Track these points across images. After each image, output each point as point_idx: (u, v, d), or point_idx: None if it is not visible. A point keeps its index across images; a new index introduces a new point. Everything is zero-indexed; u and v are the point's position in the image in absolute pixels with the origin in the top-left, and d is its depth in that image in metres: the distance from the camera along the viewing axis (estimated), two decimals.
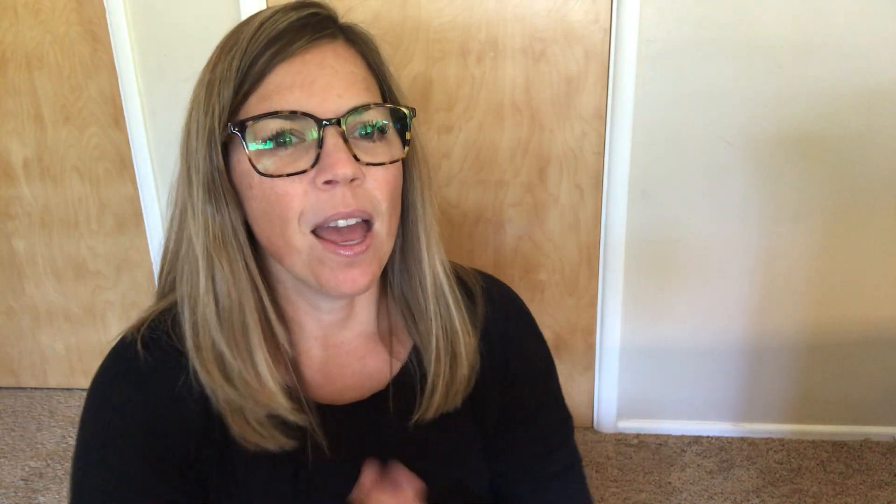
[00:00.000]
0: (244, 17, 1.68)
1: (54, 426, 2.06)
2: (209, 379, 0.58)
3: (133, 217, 2.04)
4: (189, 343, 0.59)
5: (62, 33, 1.88)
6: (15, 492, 1.79)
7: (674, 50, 1.63)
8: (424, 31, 1.70)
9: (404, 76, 1.73)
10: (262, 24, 0.56)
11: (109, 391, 0.61)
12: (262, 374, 0.59)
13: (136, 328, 0.63)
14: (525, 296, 2.11)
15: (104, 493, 0.58)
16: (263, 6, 1.69)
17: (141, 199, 1.97)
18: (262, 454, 0.60)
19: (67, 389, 2.25)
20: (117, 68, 1.82)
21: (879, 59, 1.59)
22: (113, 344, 0.64)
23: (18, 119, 1.98)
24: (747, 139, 1.68)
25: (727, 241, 1.77)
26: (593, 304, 1.90)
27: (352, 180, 0.55)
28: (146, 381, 0.60)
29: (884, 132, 1.64)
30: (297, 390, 0.62)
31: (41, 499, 1.76)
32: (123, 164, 1.98)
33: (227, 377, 0.58)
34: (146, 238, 2.03)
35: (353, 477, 0.61)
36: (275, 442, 0.59)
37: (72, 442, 1.98)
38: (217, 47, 0.59)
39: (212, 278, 0.58)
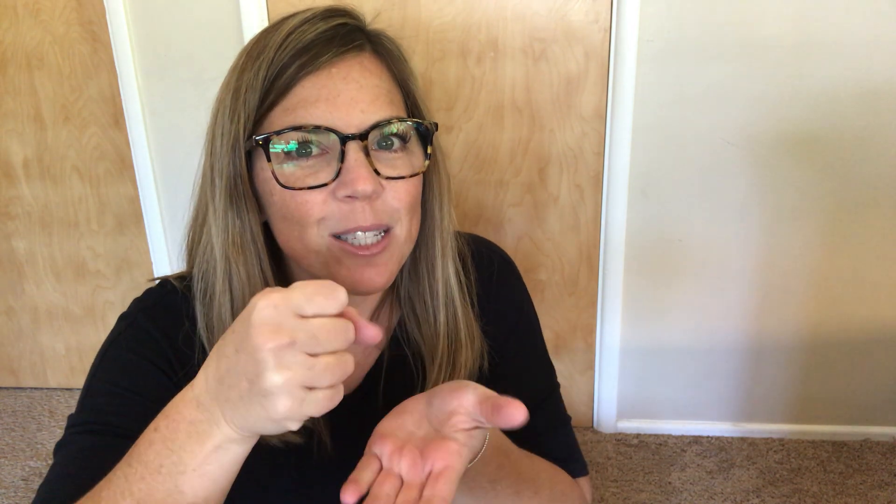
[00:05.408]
0: (244, 17, 1.69)
1: (54, 426, 2.06)
2: None
3: (133, 217, 2.04)
4: (204, 340, 0.62)
5: (62, 33, 1.88)
6: (15, 492, 1.79)
7: (674, 50, 1.63)
8: (424, 31, 1.70)
9: None
10: (289, 33, 0.57)
11: (139, 315, 0.65)
12: None
13: (178, 278, 0.67)
14: None
15: (112, 384, 0.61)
16: (263, 7, 1.69)
17: (141, 199, 1.97)
18: (267, 448, 0.61)
19: (67, 389, 2.25)
20: (117, 68, 1.82)
21: (879, 59, 1.59)
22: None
23: (18, 119, 1.98)
24: (747, 139, 1.68)
25: (727, 241, 1.77)
26: (593, 304, 1.90)
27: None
28: (173, 320, 0.64)
29: (884, 132, 1.64)
30: None
31: None
32: (123, 164, 1.98)
33: None
34: (146, 238, 2.03)
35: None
36: (279, 437, 0.60)
37: None
38: (243, 52, 0.60)
39: (228, 280, 0.60)
